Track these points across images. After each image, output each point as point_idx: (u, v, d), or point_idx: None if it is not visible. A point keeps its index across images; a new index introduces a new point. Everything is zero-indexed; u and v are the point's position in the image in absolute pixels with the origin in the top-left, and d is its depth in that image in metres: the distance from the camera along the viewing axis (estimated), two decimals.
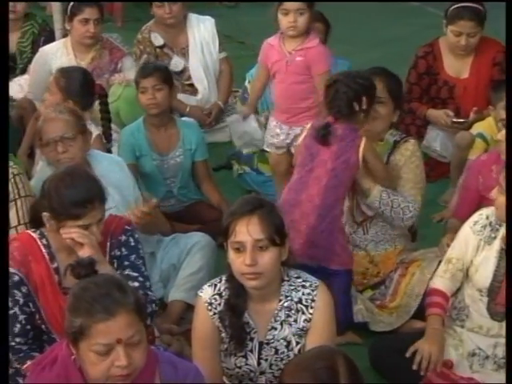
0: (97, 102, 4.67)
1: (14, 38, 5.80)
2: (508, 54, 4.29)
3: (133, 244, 3.33)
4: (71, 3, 5.35)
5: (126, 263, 3.31)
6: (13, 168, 3.67)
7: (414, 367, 3.35)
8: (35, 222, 3.32)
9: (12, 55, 5.82)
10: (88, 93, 4.60)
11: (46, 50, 5.44)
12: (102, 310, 2.43)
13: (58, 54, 5.34)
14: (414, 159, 3.96)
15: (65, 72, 4.60)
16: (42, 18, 6.20)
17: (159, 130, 4.63)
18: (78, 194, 3.15)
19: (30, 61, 5.66)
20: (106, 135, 4.67)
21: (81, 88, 4.53)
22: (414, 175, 3.94)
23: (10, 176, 3.64)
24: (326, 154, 3.75)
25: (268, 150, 4.79)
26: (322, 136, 3.74)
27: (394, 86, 3.97)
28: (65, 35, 5.59)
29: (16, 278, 3.16)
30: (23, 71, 5.81)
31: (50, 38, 5.77)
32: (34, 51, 5.63)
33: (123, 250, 3.31)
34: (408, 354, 3.37)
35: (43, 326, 3.22)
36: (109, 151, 4.57)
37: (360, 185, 3.86)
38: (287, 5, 4.53)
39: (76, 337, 2.46)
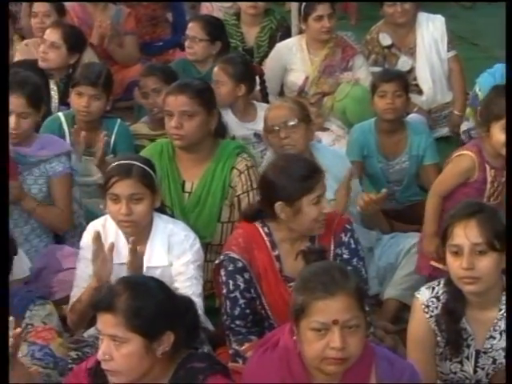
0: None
1: (253, 33, 6.01)
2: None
3: (353, 246, 3.38)
4: (303, 4, 5.49)
5: (349, 268, 3.36)
6: (247, 160, 3.84)
7: None
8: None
9: (249, 49, 6.04)
10: (252, 73, 4.81)
11: (282, 45, 5.58)
12: (322, 288, 2.54)
13: (293, 50, 5.48)
14: None
15: (227, 60, 4.80)
16: (280, 13, 6.37)
17: (388, 134, 4.66)
18: (303, 167, 3.26)
19: (266, 55, 5.82)
20: None
21: (246, 70, 4.74)
22: None
23: (244, 168, 3.82)
24: None
25: None
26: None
27: None
28: (300, 32, 5.75)
29: (240, 264, 3.28)
30: (259, 65, 6.03)
31: (287, 34, 5.91)
32: (271, 46, 5.79)
33: (344, 250, 3.36)
34: None
35: (263, 312, 3.32)
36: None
37: None
38: None
39: (298, 314, 2.58)
